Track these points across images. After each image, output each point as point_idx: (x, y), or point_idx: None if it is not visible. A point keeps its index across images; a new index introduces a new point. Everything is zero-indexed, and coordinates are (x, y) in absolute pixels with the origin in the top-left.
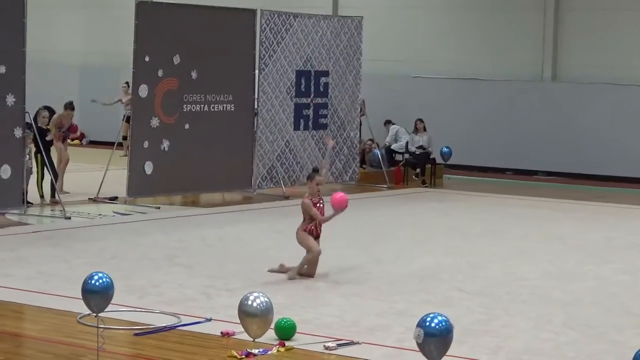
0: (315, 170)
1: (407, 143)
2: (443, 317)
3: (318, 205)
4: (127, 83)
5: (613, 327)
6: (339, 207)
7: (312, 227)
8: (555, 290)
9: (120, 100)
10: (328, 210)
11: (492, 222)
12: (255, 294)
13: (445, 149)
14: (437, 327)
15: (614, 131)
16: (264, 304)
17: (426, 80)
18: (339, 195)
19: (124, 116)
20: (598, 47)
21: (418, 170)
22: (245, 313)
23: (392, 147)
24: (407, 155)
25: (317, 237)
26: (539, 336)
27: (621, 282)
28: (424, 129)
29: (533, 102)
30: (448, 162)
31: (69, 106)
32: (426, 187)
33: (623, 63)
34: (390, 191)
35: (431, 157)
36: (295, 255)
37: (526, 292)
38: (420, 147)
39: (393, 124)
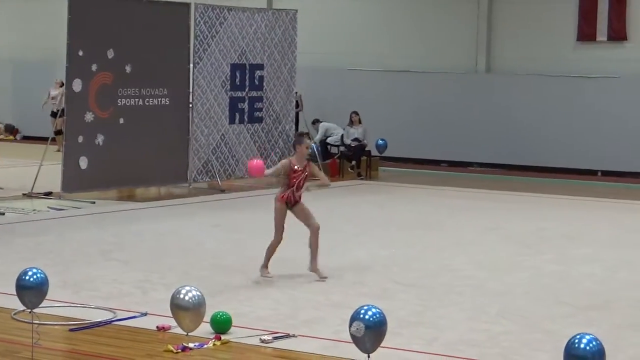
0: (302, 135)
1: (342, 136)
2: (377, 309)
3: (302, 173)
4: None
5: (546, 317)
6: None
7: (289, 195)
8: (489, 281)
9: (49, 94)
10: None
11: (427, 214)
12: (188, 288)
13: (380, 141)
14: (371, 319)
15: (547, 122)
16: (196, 297)
17: (361, 72)
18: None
19: (52, 111)
20: (531, 38)
21: (353, 162)
22: (177, 307)
23: (328, 140)
24: (342, 148)
25: (294, 204)
26: (474, 327)
27: (553, 272)
28: (359, 122)
29: (467, 93)
30: (383, 155)
31: None
32: (362, 179)
33: (556, 54)
34: None
35: (366, 149)
36: (231, 249)
37: (461, 283)
38: (356, 139)
39: (321, 121)
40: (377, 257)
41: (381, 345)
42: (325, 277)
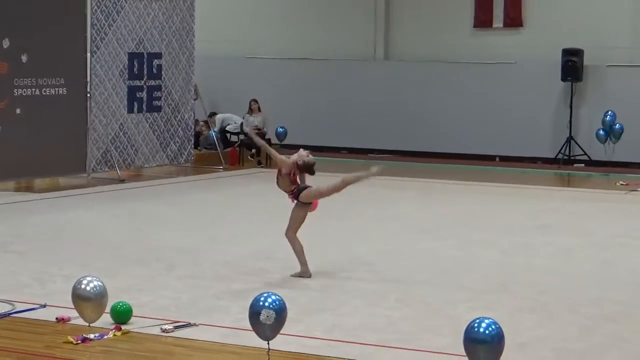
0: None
1: (242, 124)
2: (277, 297)
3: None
4: None
5: (447, 302)
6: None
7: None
8: (389, 268)
9: None
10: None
11: (327, 201)
12: (89, 278)
13: (280, 129)
14: (270, 306)
15: (445, 109)
16: (98, 287)
17: (260, 60)
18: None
19: None
20: (428, 26)
21: (253, 151)
22: (79, 297)
23: (227, 128)
24: (242, 136)
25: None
26: (374, 313)
27: (453, 257)
28: (259, 110)
29: (366, 81)
30: (283, 142)
31: None
32: (262, 167)
33: (453, 41)
34: (226, 172)
35: (266, 137)
36: (131, 239)
37: (361, 270)
38: (256, 127)
39: (216, 114)
40: (279, 245)
41: (281, 332)
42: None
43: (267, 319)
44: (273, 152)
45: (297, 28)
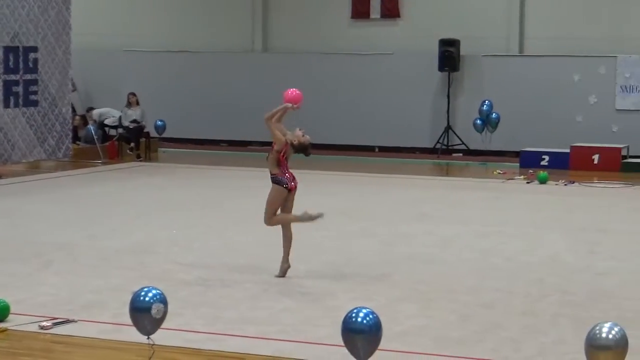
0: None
1: (120, 117)
2: (157, 290)
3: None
4: None
5: (326, 293)
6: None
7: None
8: (270, 259)
9: None
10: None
11: (207, 195)
12: None
13: (159, 122)
14: (151, 300)
15: (325, 100)
16: None
17: (138, 53)
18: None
19: None
20: (307, 17)
21: (132, 144)
22: None
23: (105, 122)
24: (120, 130)
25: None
26: (256, 305)
27: (333, 247)
28: (137, 103)
29: (245, 73)
30: (163, 136)
31: None
32: (141, 161)
33: (331, 33)
34: (105, 166)
35: (145, 130)
36: (7, 235)
37: (242, 262)
38: (134, 121)
39: (93, 109)
40: (158, 239)
41: (162, 326)
42: (281, 276)
43: (158, 312)
44: (275, 127)
45: (175, 21)
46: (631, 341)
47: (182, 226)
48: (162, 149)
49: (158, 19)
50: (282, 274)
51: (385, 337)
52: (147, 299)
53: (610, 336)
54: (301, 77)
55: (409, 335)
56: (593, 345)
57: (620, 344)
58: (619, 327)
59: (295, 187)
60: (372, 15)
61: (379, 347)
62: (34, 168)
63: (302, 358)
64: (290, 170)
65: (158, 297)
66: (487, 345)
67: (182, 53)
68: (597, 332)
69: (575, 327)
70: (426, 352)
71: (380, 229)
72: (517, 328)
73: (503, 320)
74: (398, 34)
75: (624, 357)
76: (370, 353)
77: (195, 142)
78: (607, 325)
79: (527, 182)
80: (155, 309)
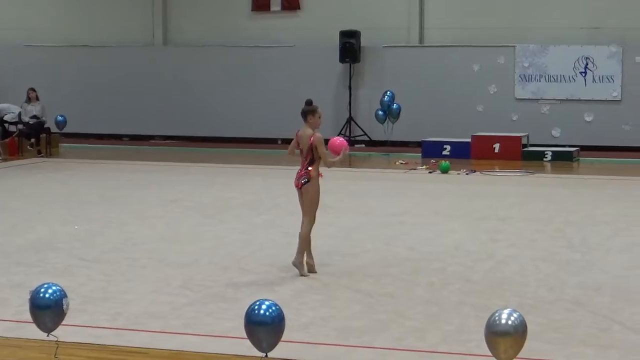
0: (309, 103)
1: (20, 113)
2: (57, 287)
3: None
4: None
5: (230, 286)
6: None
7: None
8: (173, 253)
9: None
10: None
11: (109, 189)
12: None
13: (60, 118)
14: (51, 297)
15: (226, 93)
16: None
17: (37, 48)
18: (338, 140)
19: None
20: (207, 10)
21: (33, 140)
22: None
23: (5, 118)
24: (20, 126)
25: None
26: (158, 299)
27: (236, 240)
28: (37, 98)
29: (145, 67)
30: (63, 131)
31: None
32: (42, 156)
33: (232, 25)
34: (5, 163)
35: (45, 126)
36: None
37: (144, 256)
38: (34, 116)
39: None
40: (59, 234)
41: (66, 322)
42: (307, 275)
43: (67, 307)
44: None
45: (75, 15)
46: (530, 327)
47: (84, 221)
48: (63, 144)
49: (58, 14)
50: (310, 270)
51: (288, 328)
52: (47, 295)
53: (510, 322)
54: (202, 70)
55: (313, 326)
56: (492, 331)
57: (519, 330)
58: (517, 313)
59: (296, 185)
60: (272, 8)
61: (283, 338)
62: None
63: (206, 351)
64: (300, 169)
65: (58, 293)
66: (391, 335)
67: (83, 47)
68: (497, 318)
69: (478, 315)
70: (330, 343)
71: (284, 220)
72: (421, 317)
73: (407, 309)
74: (299, 26)
75: (523, 342)
76: (274, 345)
77: (97, 137)
78: (506, 311)
79: (429, 172)
80: (66, 304)
